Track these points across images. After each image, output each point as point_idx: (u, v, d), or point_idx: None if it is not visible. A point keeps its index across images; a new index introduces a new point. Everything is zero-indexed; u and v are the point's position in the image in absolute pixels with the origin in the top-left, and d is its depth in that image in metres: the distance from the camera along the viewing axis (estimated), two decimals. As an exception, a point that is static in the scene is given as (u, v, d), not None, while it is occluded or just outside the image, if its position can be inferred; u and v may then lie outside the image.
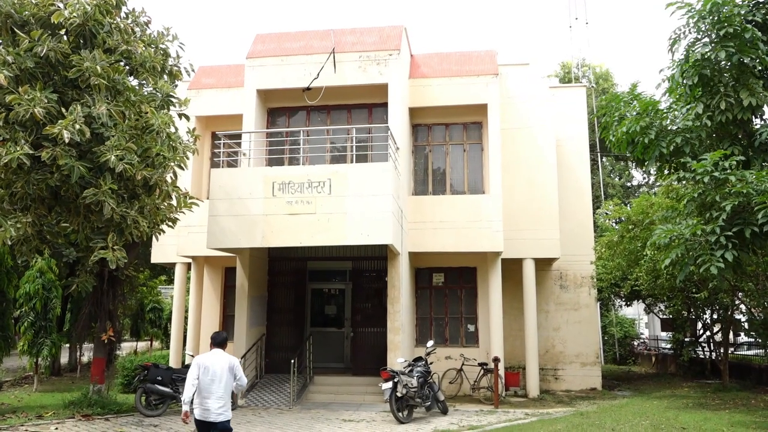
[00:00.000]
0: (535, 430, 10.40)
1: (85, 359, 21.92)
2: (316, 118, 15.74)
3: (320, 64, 14.34)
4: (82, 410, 11.59)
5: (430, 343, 12.70)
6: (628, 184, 33.00)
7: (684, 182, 9.59)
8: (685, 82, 9.45)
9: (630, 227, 13.83)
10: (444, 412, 12.02)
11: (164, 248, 16.73)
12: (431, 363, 12.64)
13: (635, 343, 27.98)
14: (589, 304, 17.57)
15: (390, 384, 11.00)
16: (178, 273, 17.33)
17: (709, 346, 18.86)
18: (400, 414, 11.01)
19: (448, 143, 16.12)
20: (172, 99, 10.91)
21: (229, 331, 15.88)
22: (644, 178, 32.32)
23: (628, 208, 15.06)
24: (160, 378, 11.75)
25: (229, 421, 6.84)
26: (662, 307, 20.52)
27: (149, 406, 11.63)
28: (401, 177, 13.92)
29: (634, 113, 10.60)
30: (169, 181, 11.10)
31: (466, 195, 15.44)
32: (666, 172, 10.82)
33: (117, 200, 9.71)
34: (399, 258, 13.72)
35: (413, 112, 15.69)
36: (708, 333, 18.30)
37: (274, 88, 14.79)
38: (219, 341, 7.13)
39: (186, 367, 12.62)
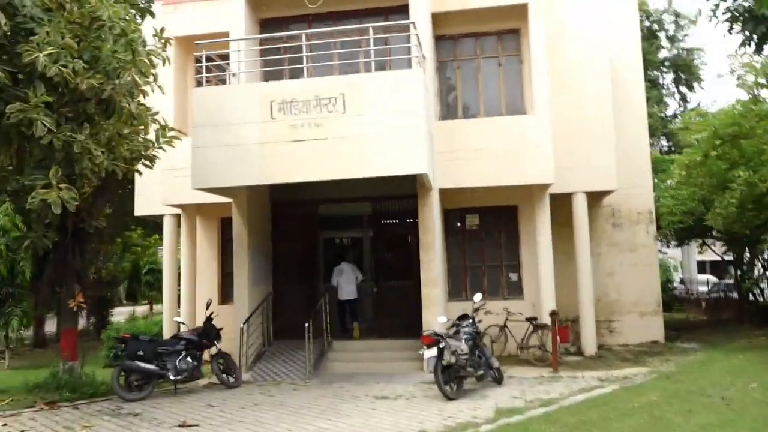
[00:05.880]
0: (624, 402, 8.06)
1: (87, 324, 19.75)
2: (320, 34, 12.88)
3: (322, -44, 11.45)
4: (48, 395, 9.28)
5: (478, 296, 10.14)
6: (661, 114, 29.99)
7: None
8: None
9: (717, 142, 11.06)
10: (499, 381, 9.64)
11: (150, 198, 14.19)
12: (479, 321, 10.17)
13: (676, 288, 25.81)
14: (648, 244, 14.99)
15: (434, 351, 8.57)
16: (167, 226, 14.81)
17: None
18: (448, 387, 8.61)
19: (480, 57, 13.30)
20: (130, -15, 8.15)
21: (228, 290, 13.49)
22: (679, 106, 29.40)
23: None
24: (141, 353, 9.35)
25: (356, 299, 12.75)
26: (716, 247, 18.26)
27: (130, 387, 9.29)
28: (429, 94, 11.22)
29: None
30: (134, 103, 8.42)
31: (505, 117, 12.73)
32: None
33: (58, 119, 7.10)
34: (431, 194, 11.16)
35: (436, 19, 12.78)
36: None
37: (266, -10, 11.97)
38: (344, 258, 13.04)
39: (175, 338, 10.24)
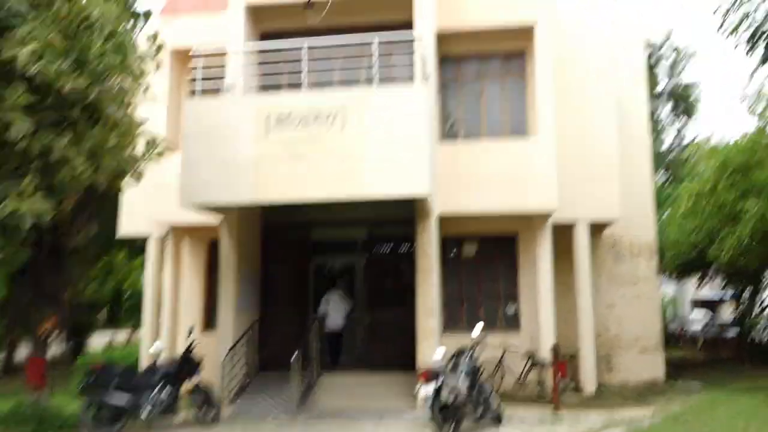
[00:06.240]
0: (637, 447, 7.46)
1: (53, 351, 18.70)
2: (320, 47, 12.52)
3: (324, -30, 11.10)
4: (11, 428, 8.52)
5: (479, 328, 9.48)
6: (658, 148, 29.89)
7: None
8: None
9: (729, 172, 10.69)
10: (498, 421, 8.96)
11: (134, 217, 13.53)
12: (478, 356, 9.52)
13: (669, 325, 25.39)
14: (649, 277, 14.54)
15: (431, 388, 7.96)
16: (152, 248, 14.13)
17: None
18: (445, 427, 7.99)
19: (484, 78, 12.97)
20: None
21: (214, 316, 12.79)
22: (676, 138, 29.37)
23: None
24: (114, 385, 8.61)
25: (343, 328, 12.34)
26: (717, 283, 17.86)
27: (100, 421, 8.53)
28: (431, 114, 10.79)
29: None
30: (121, 110, 7.89)
31: (508, 140, 12.32)
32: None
33: (37, 124, 6.56)
34: (430, 219, 10.68)
35: (440, 39, 12.32)
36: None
37: (266, 3, 11.57)
38: (335, 284, 12.83)
39: (152, 369, 9.43)
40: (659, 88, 27.82)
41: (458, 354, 9.17)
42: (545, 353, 11.57)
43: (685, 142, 28.16)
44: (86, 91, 6.80)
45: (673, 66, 28.37)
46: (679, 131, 28.80)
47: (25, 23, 6.51)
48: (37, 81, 6.40)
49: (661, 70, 28.37)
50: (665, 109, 28.80)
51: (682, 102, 27.98)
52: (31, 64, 6.18)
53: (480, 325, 9.60)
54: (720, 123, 37.98)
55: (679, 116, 28.58)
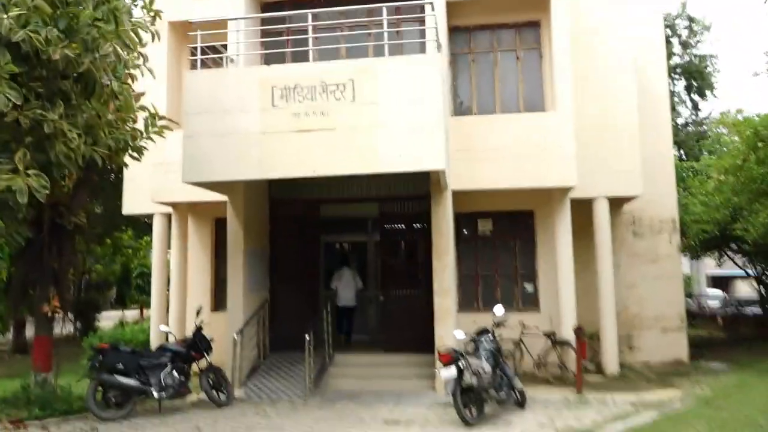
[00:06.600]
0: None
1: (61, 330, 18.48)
2: (325, 17, 11.93)
3: (330, -65, 10.49)
4: (16, 411, 8.26)
5: (500, 309, 9.02)
6: (672, 122, 29.09)
7: None
8: None
9: (759, 144, 10.12)
10: (521, 404, 8.62)
11: (138, 195, 13.16)
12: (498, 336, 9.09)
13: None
14: (671, 255, 14.01)
15: (453, 370, 7.57)
16: (157, 226, 13.76)
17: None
18: (467, 411, 7.62)
19: (497, 50, 12.37)
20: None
21: (222, 296, 12.47)
22: (691, 114, 28.50)
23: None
24: (121, 366, 8.31)
25: (354, 307, 12.35)
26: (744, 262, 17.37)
27: (108, 404, 8.25)
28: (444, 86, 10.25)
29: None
30: (116, 80, 7.42)
31: (524, 114, 11.79)
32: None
33: (26, 95, 6.11)
34: (445, 195, 10.20)
35: (451, 9, 11.74)
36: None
37: (268, -29, 11.02)
38: (346, 262, 12.73)
39: (161, 350, 9.17)
40: (673, 62, 26.79)
41: (479, 334, 8.78)
42: (565, 333, 11.16)
43: (701, 117, 27.33)
44: (77, 61, 6.33)
45: (688, 38, 27.35)
46: (695, 106, 27.83)
47: (11, -12, 6.03)
48: (24, 49, 5.94)
49: (676, 44, 27.36)
50: (679, 85, 27.85)
51: (698, 77, 26.96)
52: (16, 31, 5.71)
53: (501, 307, 9.13)
54: (738, 97, 36.80)
55: (694, 91, 27.60)
